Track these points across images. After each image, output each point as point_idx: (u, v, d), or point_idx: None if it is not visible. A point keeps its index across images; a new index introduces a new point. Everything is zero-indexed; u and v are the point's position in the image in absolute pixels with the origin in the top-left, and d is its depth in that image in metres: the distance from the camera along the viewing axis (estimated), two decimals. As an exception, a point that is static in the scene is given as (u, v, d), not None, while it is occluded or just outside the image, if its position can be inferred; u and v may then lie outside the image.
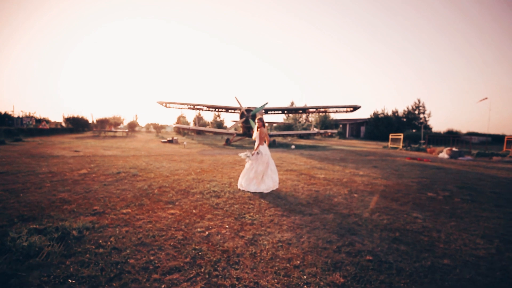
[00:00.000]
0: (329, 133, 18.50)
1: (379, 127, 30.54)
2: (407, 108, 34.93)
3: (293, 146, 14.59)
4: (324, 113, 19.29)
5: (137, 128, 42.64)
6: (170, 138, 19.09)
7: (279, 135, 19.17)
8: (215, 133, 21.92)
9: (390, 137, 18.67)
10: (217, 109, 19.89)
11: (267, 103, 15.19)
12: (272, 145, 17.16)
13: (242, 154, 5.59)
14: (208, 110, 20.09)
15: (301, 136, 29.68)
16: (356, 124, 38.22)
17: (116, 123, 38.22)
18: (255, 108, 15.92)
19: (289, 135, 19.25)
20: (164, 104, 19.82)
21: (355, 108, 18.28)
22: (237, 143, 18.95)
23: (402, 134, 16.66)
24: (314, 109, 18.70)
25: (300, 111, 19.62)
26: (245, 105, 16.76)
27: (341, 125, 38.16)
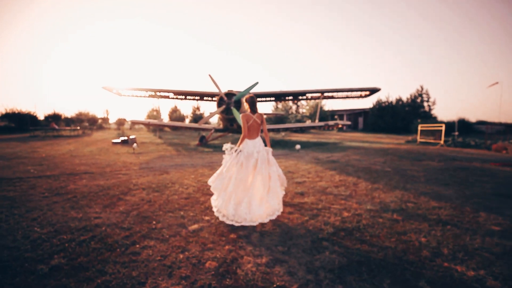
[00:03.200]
0: (340, 125, 13.98)
1: (384, 117, 26.46)
2: (410, 96, 31.16)
3: (298, 146, 9.88)
4: (331, 98, 14.57)
5: (106, 125, 36.47)
6: (125, 138, 13.81)
7: (273, 130, 14.41)
8: (187, 128, 16.76)
9: (420, 129, 14.45)
10: (187, 96, 14.74)
11: (257, 83, 10.26)
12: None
13: (226, 146, 3.41)
14: (176, 98, 14.90)
15: (295, 131, 25.10)
16: (354, 115, 34.16)
17: (79, 119, 31.94)
18: (239, 92, 10.97)
19: (288, 129, 14.57)
20: (114, 91, 14.40)
21: (373, 91, 13.79)
22: (217, 142, 14.00)
23: (443, 125, 12.47)
24: (319, 93, 14.01)
25: (300, 97, 14.89)
26: (225, 88, 11.75)
27: (336, 116, 33.99)
